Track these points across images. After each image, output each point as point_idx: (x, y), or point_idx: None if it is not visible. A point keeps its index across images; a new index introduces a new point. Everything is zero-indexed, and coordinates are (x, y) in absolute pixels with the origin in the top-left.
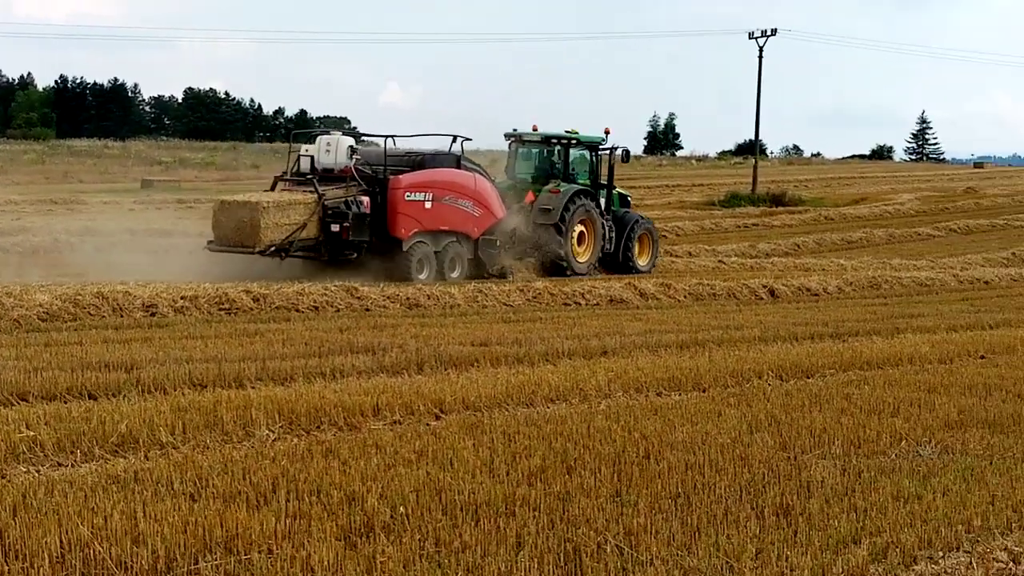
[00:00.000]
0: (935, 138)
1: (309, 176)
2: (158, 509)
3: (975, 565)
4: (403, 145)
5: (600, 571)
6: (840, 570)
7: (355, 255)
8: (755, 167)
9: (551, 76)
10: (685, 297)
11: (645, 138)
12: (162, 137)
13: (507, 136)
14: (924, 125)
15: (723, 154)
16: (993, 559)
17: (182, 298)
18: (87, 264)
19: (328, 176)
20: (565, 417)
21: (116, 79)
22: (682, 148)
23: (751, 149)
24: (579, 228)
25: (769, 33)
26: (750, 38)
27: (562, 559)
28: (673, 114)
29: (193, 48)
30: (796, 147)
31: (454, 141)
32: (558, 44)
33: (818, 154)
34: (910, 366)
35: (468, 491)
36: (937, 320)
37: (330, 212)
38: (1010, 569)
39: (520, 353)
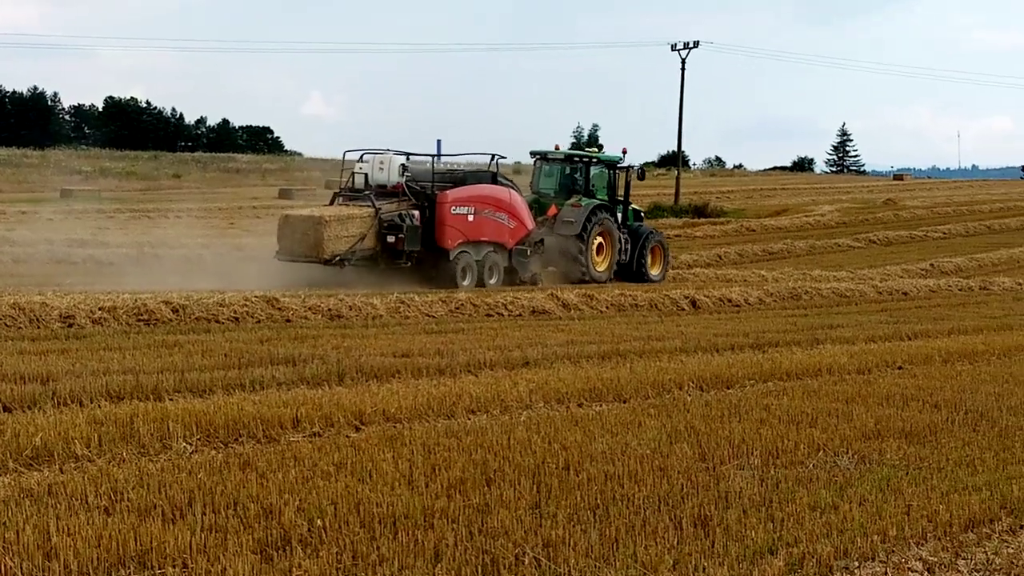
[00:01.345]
0: (855, 150)
1: (366, 192)
2: (72, 523)
3: (890, 575)
4: (441, 162)
5: None
6: None
7: (409, 264)
8: (678, 178)
9: (475, 86)
10: (607, 308)
11: (569, 148)
12: (82, 146)
13: (532, 154)
14: (844, 137)
15: (646, 165)
16: (908, 569)
17: (100, 309)
18: (4, 274)
19: (382, 192)
20: (486, 428)
21: (35, 88)
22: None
23: (674, 160)
24: (598, 240)
25: (691, 45)
26: (672, 50)
27: (480, 571)
28: (596, 125)
29: (114, 57)
30: (718, 158)
31: (492, 159)
32: (482, 55)
33: (740, 166)
34: (829, 376)
35: (387, 503)
36: (856, 331)
37: (386, 224)
38: None
39: (442, 364)
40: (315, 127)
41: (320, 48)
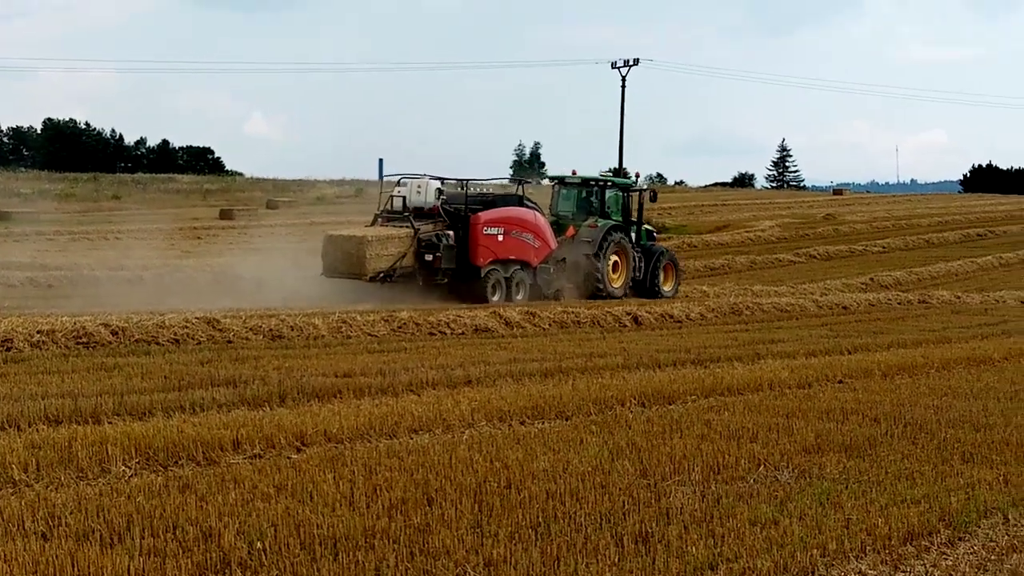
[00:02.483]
0: (795, 166)
1: (405, 214)
2: (8, 549)
3: None
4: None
5: None
6: None
7: (444, 280)
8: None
9: (418, 104)
10: (550, 325)
11: (511, 166)
12: (20, 168)
13: (551, 179)
14: (784, 153)
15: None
16: None
17: (38, 332)
18: None
19: (419, 213)
20: (427, 448)
21: None
22: (547, 176)
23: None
24: (613, 258)
25: (631, 63)
26: (613, 67)
27: None
28: (538, 143)
29: (52, 78)
30: (660, 175)
31: (519, 184)
32: (422, 73)
33: (681, 182)
34: (769, 391)
35: (327, 524)
36: (797, 345)
37: (424, 244)
38: None
39: (384, 384)
40: (256, 147)
41: (261, 68)
